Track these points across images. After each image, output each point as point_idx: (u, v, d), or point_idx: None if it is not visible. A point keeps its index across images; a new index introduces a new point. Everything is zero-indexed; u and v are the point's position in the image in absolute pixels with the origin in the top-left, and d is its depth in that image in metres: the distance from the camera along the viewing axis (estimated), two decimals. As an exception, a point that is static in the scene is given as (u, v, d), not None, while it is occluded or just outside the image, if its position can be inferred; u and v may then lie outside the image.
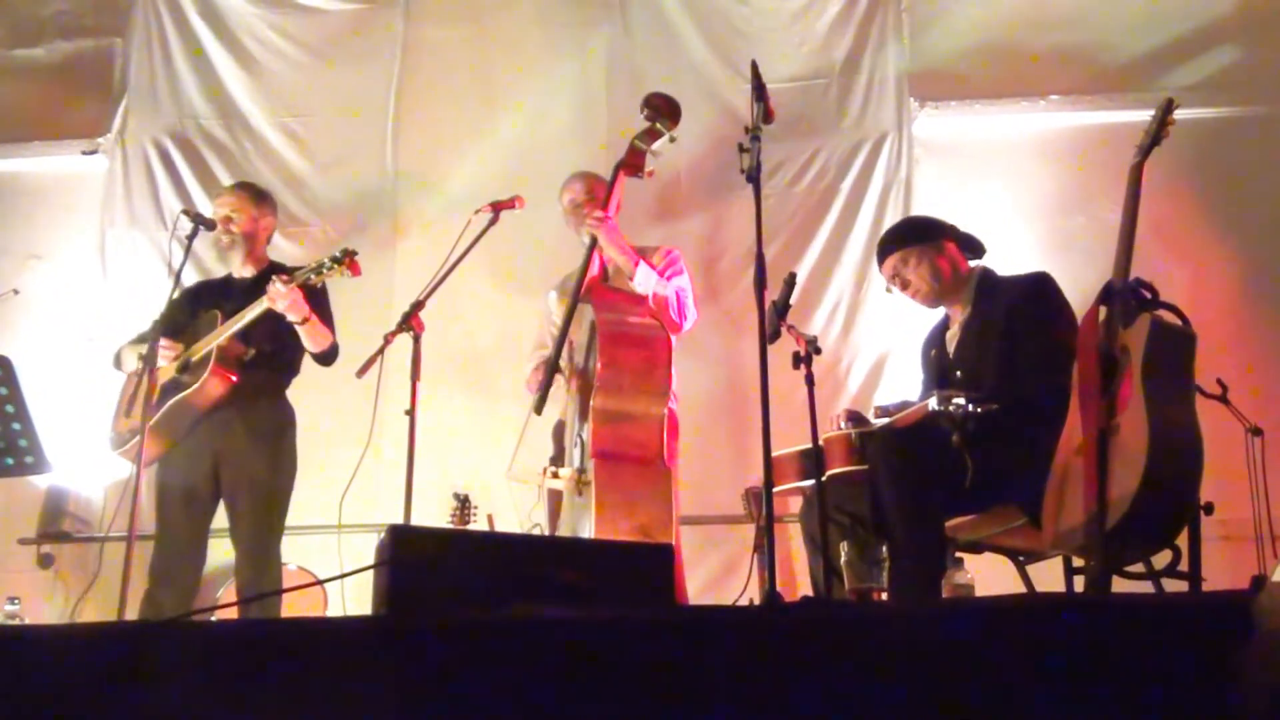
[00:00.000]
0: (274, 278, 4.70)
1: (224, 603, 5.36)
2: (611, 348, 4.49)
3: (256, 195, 5.17)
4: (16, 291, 5.78)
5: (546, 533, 4.67)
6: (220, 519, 4.87)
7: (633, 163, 4.95)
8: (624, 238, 4.87)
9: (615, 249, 4.84)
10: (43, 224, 6.92)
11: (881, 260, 4.36)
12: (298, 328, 4.77)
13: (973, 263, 4.34)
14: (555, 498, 4.72)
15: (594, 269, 4.84)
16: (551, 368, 4.69)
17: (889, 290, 4.39)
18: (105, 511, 5.89)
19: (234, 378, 4.76)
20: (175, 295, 5.01)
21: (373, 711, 2.27)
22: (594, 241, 4.84)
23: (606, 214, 4.85)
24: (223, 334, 4.75)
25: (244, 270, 5.05)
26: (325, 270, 4.66)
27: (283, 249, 6.49)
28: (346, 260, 4.65)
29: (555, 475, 4.53)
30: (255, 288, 4.90)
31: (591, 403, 4.41)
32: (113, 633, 2.90)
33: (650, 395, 4.52)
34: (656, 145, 4.96)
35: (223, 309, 4.85)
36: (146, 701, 2.30)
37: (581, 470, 4.41)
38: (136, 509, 4.37)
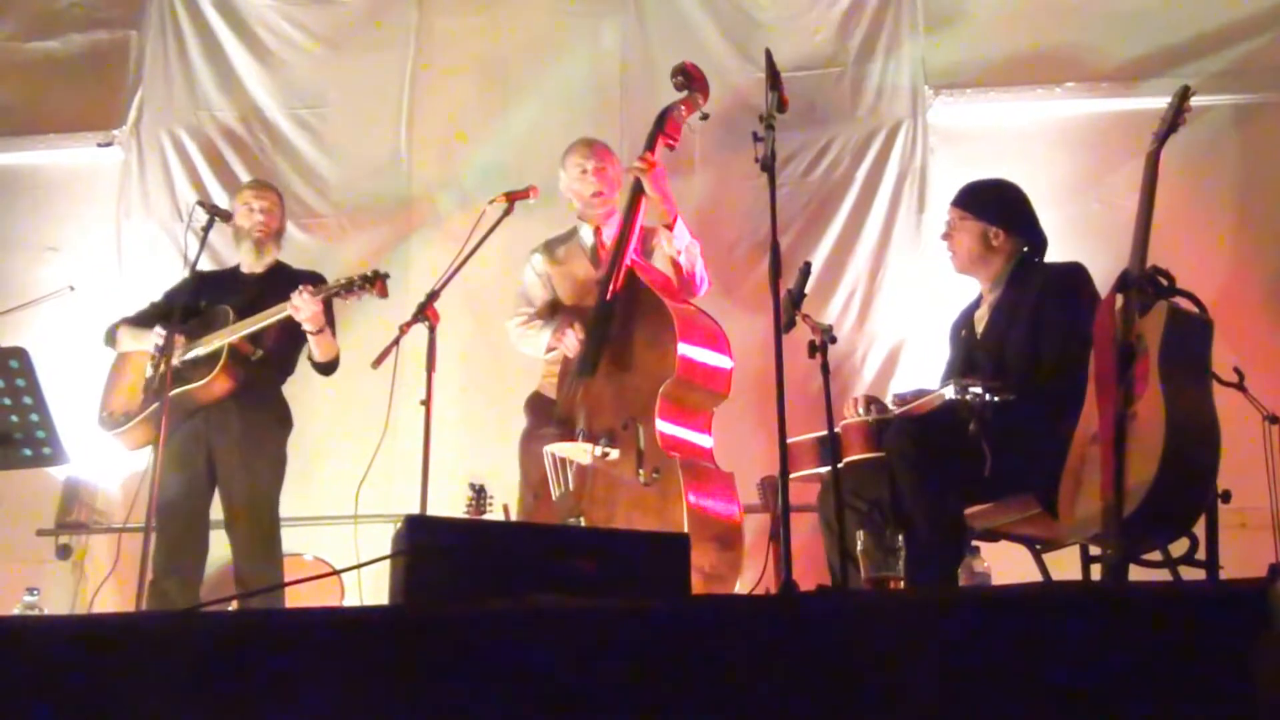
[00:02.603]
0: (301, 288, 4.69)
1: (234, 594, 5.37)
2: (689, 340, 4.52)
3: (280, 194, 5.24)
4: (73, 288, 5.80)
5: (554, 495, 4.61)
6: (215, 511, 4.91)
7: (671, 132, 4.89)
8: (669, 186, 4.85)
9: (661, 195, 4.77)
10: (58, 216, 6.95)
11: (952, 203, 4.35)
12: (310, 336, 4.79)
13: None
14: (561, 467, 4.64)
15: (633, 242, 4.79)
16: (600, 339, 4.63)
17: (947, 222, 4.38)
18: (122, 502, 5.91)
19: (240, 376, 4.78)
20: (182, 281, 5.04)
21: (389, 701, 2.28)
22: (633, 202, 4.80)
23: (653, 159, 4.80)
24: (238, 333, 4.76)
25: (254, 266, 5.05)
26: (355, 288, 4.67)
27: (297, 240, 6.51)
28: (378, 283, 4.65)
29: (605, 455, 4.48)
30: (265, 286, 4.92)
31: (662, 390, 4.44)
32: (130, 623, 2.91)
33: (714, 396, 4.62)
34: (692, 119, 4.94)
35: (231, 303, 4.85)
36: (163, 691, 2.31)
37: (643, 457, 4.39)
38: (154, 497, 4.39)
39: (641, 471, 4.38)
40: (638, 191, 4.80)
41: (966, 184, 4.43)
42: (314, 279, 5.06)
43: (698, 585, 4.12)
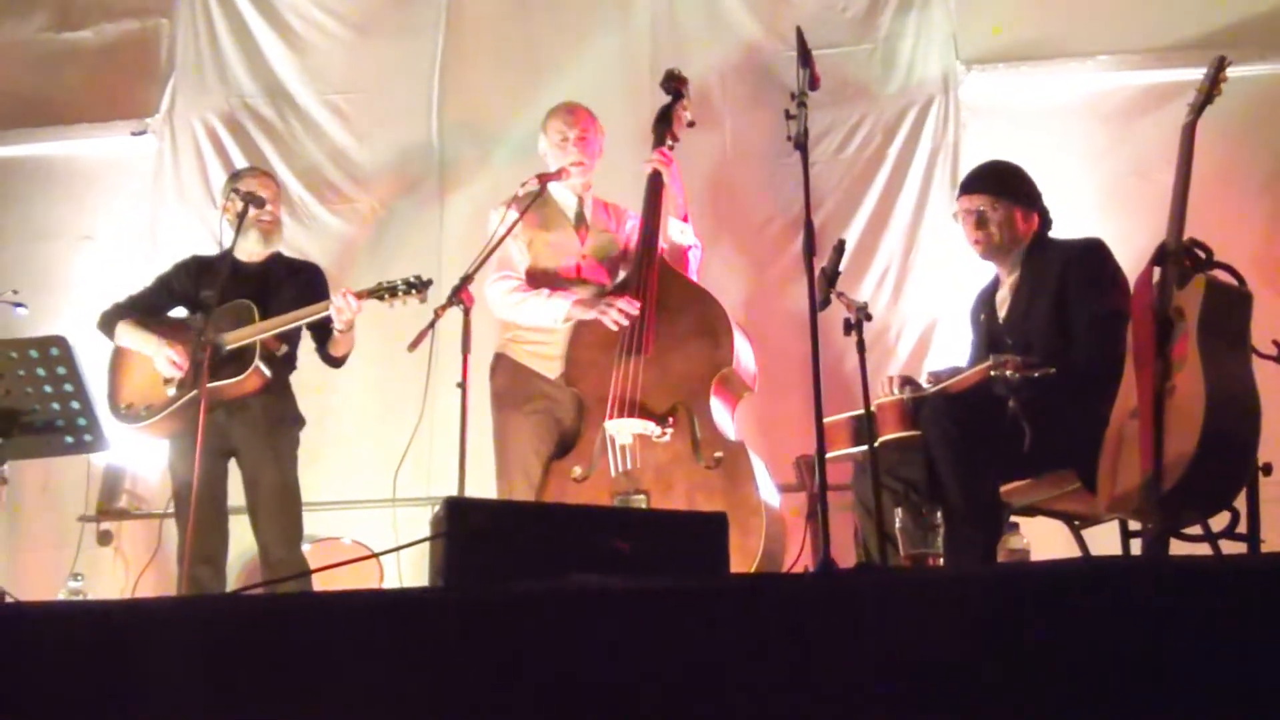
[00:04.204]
0: (344, 292, 4.70)
1: (280, 578, 5.42)
2: (739, 334, 4.66)
3: (279, 183, 5.25)
4: (16, 292, 5.75)
5: (613, 472, 4.61)
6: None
7: (677, 130, 5.03)
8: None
9: (677, 191, 4.88)
10: (94, 205, 6.98)
11: (974, 190, 4.30)
12: (336, 333, 4.81)
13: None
14: (612, 445, 4.63)
15: (663, 229, 4.85)
16: (639, 321, 4.67)
17: (954, 217, 4.35)
18: (162, 489, 5.95)
19: (268, 373, 4.80)
20: (177, 267, 5.06)
21: (430, 682, 2.29)
22: (656, 194, 4.85)
23: (668, 153, 4.93)
24: (266, 331, 4.75)
25: (251, 255, 5.05)
26: (400, 293, 4.67)
27: (329, 224, 6.54)
28: (421, 291, 4.66)
29: (663, 434, 4.54)
30: (266, 276, 4.97)
31: (718, 377, 4.59)
32: (173, 607, 2.94)
33: (746, 390, 4.79)
34: (680, 129, 5.07)
35: (235, 294, 4.83)
36: (206, 673, 2.34)
37: (699, 442, 4.48)
38: (196, 487, 4.42)
39: (700, 455, 4.48)
40: (659, 184, 4.86)
41: (979, 170, 4.42)
42: (312, 270, 5.14)
43: (765, 568, 4.22)
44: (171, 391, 4.79)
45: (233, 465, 4.93)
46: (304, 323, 4.82)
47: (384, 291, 4.70)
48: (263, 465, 4.83)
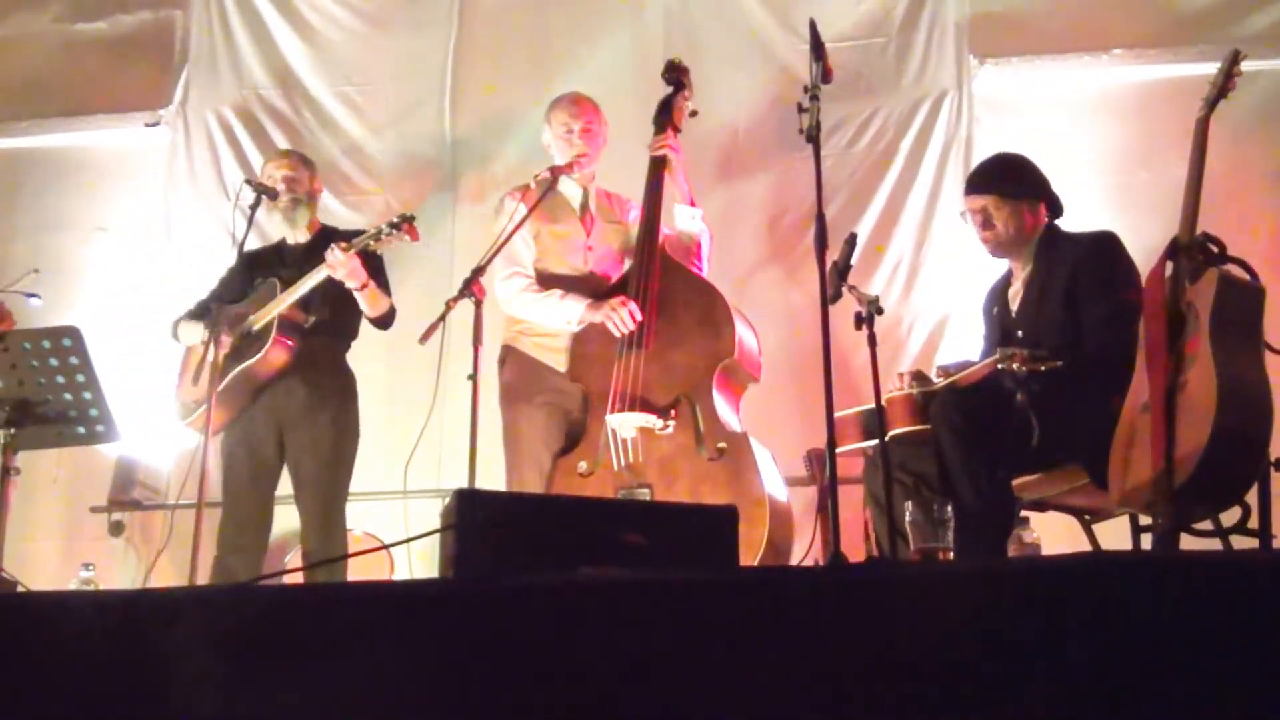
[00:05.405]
0: (332, 245, 4.71)
1: (292, 568, 5.43)
2: (742, 324, 4.64)
3: (305, 159, 5.24)
4: (37, 271, 5.75)
5: (616, 466, 4.60)
6: (284, 485, 4.95)
7: (678, 121, 5.01)
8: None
9: (682, 178, 4.88)
10: (107, 196, 7.01)
11: (979, 190, 4.28)
12: (356, 293, 4.81)
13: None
14: (614, 438, 4.60)
15: (672, 221, 4.85)
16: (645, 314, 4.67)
17: (961, 215, 4.34)
18: (174, 480, 5.97)
19: (295, 345, 4.80)
20: (232, 265, 5.07)
21: (440, 674, 2.30)
22: (659, 182, 4.84)
23: (674, 141, 4.91)
24: (283, 303, 4.78)
25: (298, 236, 5.07)
26: (384, 236, 4.67)
27: (343, 216, 6.53)
28: (405, 226, 4.67)
29: (665, 427, 4.53)
30: (311, 253, 4.93)
31: (720, 367, 4.56)
32: (185, 597, 2.95)
33: (750, 380, 4.75)
34: (682, 120, 5.05)
35: (280, 276, 4.88)
36: (217, 663, 2.34)
37: (703, 434, 4.46)
38: (205, 478, 4.43)
39: (704, 448, 4.46)
40: (661, 172, 4.84)
41: (982, 167, 4.42)
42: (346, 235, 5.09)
43: (770, 559, 4.21)
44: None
45: None
46: (312, 286, 4.80)
47: (369, 239, 4.70)
48: (302, 447, 4.85)
